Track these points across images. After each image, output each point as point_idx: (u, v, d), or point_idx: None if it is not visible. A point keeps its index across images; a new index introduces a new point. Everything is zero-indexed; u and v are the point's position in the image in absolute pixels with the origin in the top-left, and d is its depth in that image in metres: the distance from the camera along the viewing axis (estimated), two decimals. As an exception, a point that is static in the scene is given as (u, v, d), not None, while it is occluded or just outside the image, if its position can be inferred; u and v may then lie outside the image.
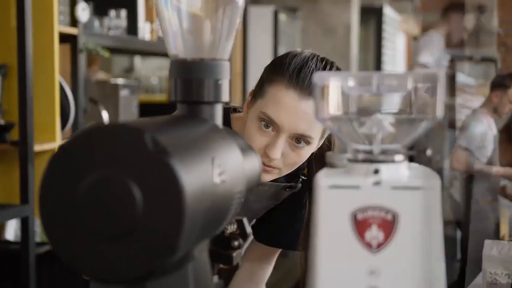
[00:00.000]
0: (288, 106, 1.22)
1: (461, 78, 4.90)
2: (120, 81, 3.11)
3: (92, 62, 3.64)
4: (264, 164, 1.26)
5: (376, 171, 0.69)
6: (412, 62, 4.54)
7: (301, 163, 1.30)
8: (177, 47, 0.83)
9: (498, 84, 4.40)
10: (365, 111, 0.73)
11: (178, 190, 0.60)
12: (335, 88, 0.71)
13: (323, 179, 0.69)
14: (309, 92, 1.22)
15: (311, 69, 1.24)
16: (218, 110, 0.83)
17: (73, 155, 0.63)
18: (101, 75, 3.97)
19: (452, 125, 4.92)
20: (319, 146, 1.33)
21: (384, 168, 0.69)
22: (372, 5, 6.82)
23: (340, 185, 0.69)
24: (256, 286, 1.51)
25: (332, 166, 0.78)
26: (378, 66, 7.29)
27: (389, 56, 7.61)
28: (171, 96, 0.83)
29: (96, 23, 2.92)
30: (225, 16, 0.83)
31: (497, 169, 4.37)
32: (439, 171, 4.49)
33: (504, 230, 4.47)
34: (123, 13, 3.02)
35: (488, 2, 9.24)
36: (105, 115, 2.89)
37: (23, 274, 2.31)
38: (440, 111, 0.70)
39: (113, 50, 3.18)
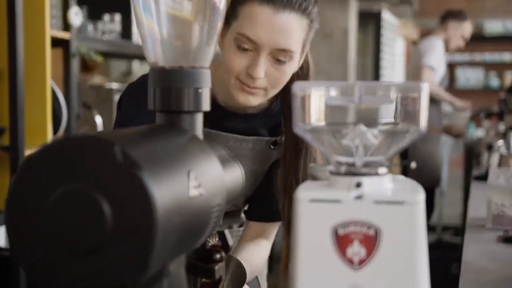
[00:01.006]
0: (265, 21, 1.20)
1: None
2: (115, 85, 3.09)
3: (92, 67, 3.62)
4: (248, 86, 1.24)
5: (358, 185, 0.67)
6: (415, 64, 4.53)
7: (285, 81, 1.27)
8: (156, 55, 0.80)
9: (453, 16, 4.48)
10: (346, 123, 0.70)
11: (149, 204, 0.58)
12: (316, 98, 0.69)
13: (304, 192, 0.67)
14: (283, 5, 1.20)
15: None
16: (199, 119, 0.80)
17: (42, 166, 0.60)
18: (97, 79, 3.94)
19: (446, 130, 4.94)
20: (300, 64, 1.31)
21: (366, 181, 0.67)
22: (370, 10, 6.80)
23: (321, 199, 0.66)
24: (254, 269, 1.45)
25: (314, 178, 0.76)
26: (376, 71, 7.26)
27: (387, 61, 7.60)
28: (150, 105, 0.80)
29: (90, 27, 2.89)
30: (205, 22, 0.81)
31: (446, 94, 4.54)
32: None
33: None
34: (117, 17, 3.00)
35: None
36: (98, 120, 2.86)
37: (14, 280, 2.28)
38: (424, 123, 0.67)
39: (108, 55, 3.16)
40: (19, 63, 2.31)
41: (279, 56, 1.22)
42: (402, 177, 0.74)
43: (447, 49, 4.56)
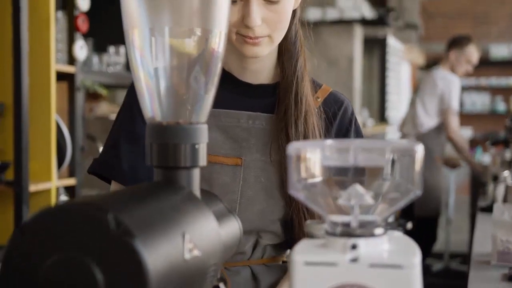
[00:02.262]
0: None
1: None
2: (119, 116, 3.09)
3: (98, 95, 3.64)
4: (250, 37, 1.16)
5: (354, 247, 0.66)
6: (441, 106, 4.44)
7: (288, 20, 1.19)
8: (153, 110, 0.80)
9: (454, 43, 4.48)
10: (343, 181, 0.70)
11: (142, 273, 0.58)
12: (310, 158, 0.69)
13: (299, 254, 0.66)
14: None
15: None
16: (196, 175, 0.80)
17: (36, 234, 0.60)
18: (104, 106, 3.96)
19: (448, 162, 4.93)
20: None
21: (362, 243, 0.66)
22: (375, 35, 6.83)
23: (316, 262, 0.66)
24: None
25: (310, 235, 0.75)
26: (382, 96, 7.27)
27: (393, 86, 7.61)
28: (147, 160, 0.80)
29: (95, 59, 2.91)
30: (203, 76, 0.81)
31: (466, 150, 4.61)
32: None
33: None
34: (122, 49, 3.02)
35: None
36: (103, 152, 2.86)
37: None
38: (419, 185, 0.67)
39: (113, 86, 3.18)
40: (24, 98, 2.32)
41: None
42: (398, 234, 0.73)
43: (455, 75, 4.58)
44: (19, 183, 2.28)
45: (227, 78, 1.28)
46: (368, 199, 0.68)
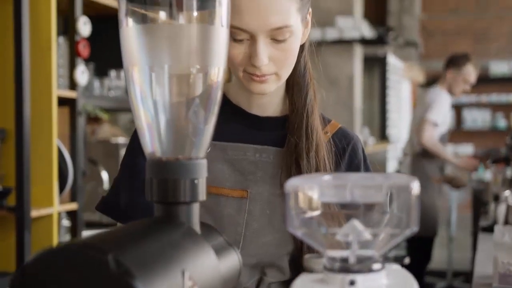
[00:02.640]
0: (248, 6, 1.11)
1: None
2: (121, 140, 3.11)
3: (100, 118, 3.66)
4: (257, 75, 1.16)
5: (352, 283, 0.67)
6: (420, 115, 4.53)
7: (295, 57, 1.18)
8: (153, 146, 0.81)
9: (450, 63, 4.48)
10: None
11: (142, 313, 0.58)
12: (308, 194, 0.70)
13: (297, 291, 0.67)
14: None
15: None
16: (195, 209, 0.81)
17: (36, 275, 0.61)
18: (106, 128, 3.98)
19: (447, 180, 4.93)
20: (307, 35, 1.23)
21: (360, 278, 0.67)
22: (375, 54, 6.86)
23: (315, 299, 0.67)
24: None
25: (309, 270, 0.76)
26: (383, 114, 7.29)
27: (394, 104, 7.63)
28: (147, 196, 0.81)
29: (97, 83, 2.93)
30: (200, 114, 0.82)
31: (445, 153, 4.53)
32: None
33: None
34: (123, 73, 3.04)
35: None
36: (105, 176, 2.88)
37: None
38: (416, 222, 0.68)
39: (114, 109, 3.20)
40: (25, 123, 2.33)
41: (277, 36, 1.13)
42: (396, 267, 0.74)
43: (453, 94, 4.58)
44: (21, 209, 2.29)
45: (235, 110, 1.28)
46: (366, 234, 0.69)
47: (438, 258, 6.49)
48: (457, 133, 10.06)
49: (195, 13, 0.79)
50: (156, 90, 0.80)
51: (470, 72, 4.54)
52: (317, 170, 1.21)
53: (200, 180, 0.80)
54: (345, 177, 0.74)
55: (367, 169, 1.29)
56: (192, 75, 0.80)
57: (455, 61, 4.52)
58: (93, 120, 3.46)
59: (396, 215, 0.69)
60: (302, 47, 1.25)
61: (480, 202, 4.67)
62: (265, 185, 1.23)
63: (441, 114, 4.41)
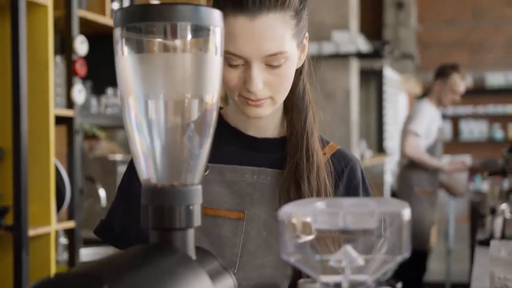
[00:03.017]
0: (243, 32, 1.11)
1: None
2: (119, 157, 3.12)
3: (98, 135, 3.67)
4: (251, 100, 1.16)
5: (346, 308, 0.68)
6: (405, 127, 4.57)
7: (290, 82, 1.18)
8: (148, 172, 0.82)
9: (437, 74, 4.49)
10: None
11: None
12: (301, 222, 0.71)
13: (292, 317, 0.68)
14: (257, 8, 1.11)
15: None
16: (190, 235, 0.82)
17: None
18: (104, 144, 3.98)
19: (445, 188, 4.92)
20: (303, 59, 1.23)
21: (353, 304, 0.68)
22: (372, 67, 6.89)
23: (309, 325, 0.67)
24: None
25: (304, 295, 0.77)
26: (379, 126, 7.31)
27: (390, 116, 7.65)
28: (143, 222, 0.82)
29: (94, 101, 2.94)
30: (195, 139, 0.83)
31: (430, 159, 4.44)
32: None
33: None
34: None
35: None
36: (102, 194, 2.88)
37: None
38: (407, 248, 0.69)
39: (111, 126, 3.21)
40: (23, 143, 2.34)
41: (272, 62, 1.14)
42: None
43: (443, 105, 4.57)
44: (18, 228, 2.29)
45: (232, 132, 1.29)
46: (359, 260, 0.70)
47: (436, 270, 6.49)
48: (454, 144, 10.08)
49: (189, 42, 0.80)
50: (151, 117, 0.81)
51: (457, 82, 4.49)
52: (318, 192, 1.21)
53: (195, 206, 0.81)
54: (338, 203, 0.75)
55: (366, 191, 1.30)
56: (186, 102, 0.82)
57: (442, 72, 4.52)
58: (91, 136, 3.47)
59: (389, 241, 0.70)
60: (300, 70, 1.25)
61: (477, 214, 4.68)
62: (262, 206, 1.23)
63: (423, 124, 4.38)
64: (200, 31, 0.81)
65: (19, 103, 2.35)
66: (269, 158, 1.27)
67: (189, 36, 0.80)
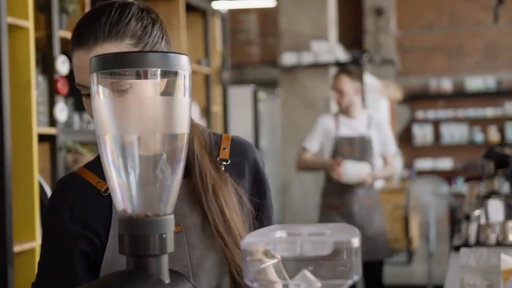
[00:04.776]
0: (82, 64, 1.18)
1: None
2: (101, 170, 3.17)
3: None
4: None
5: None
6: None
7: None
8: (124, 203, 0.90)
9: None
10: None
11: None
12: (262, 251, 0.78)
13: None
14: (93, 41, 1.17)
15: (93, 15, 1.21)
16: (164, 261, 0.89)
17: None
18: (88, 157, 4.02)
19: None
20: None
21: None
22: (352, 74, 6.98)
23: None
24: None
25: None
26: (361, 133, 7.40)
27: (372, 122, 7.73)
28: (120, 250, 0.89)
29: (76, 118, 3.00)
30: (168, 171, 0.90)
31: (316, 161, 4.15)
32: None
33: None
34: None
35: (386, 5, 9.47)
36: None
37: None
38: (358, 271, 0.76)
39: (94, 142, 3.27)
40: (7, 160, 2.40)
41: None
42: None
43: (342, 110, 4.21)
44: (3, 244, 2.35)
45: None
46: (316, 284, 0.78)
47: (418, 272, 6.59)
48: (436, 148, 10.22)
49: (159, 85, 0.88)
50: (126, 153, 0.89)
51: (334, 81, 4.17)
52: (222, 211, 1.26)
53: (168, 233, 0.89)
54: (296, 231, 0.82)
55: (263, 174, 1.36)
56: (158, 139, 0.89)
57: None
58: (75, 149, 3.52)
59: (341, 266, 0.78)
60: None
61: (455, 217, 4.76)
62: (194, 214, 1.28)
63: (313, 139, 4.12)
64: (169, 75, 0.88)
65: (3, 122, 2.41)
66: None
67: (158, 80, 0.87)
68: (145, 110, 0.87)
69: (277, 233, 0.81)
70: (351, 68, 4.23)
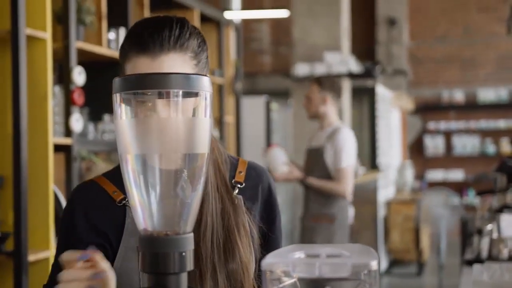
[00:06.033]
0: (144, 71, 1.18)
1: None
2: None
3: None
4: None
5: None
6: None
7: None
8: (145, 222, 0.91)
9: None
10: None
11: None
12: (282, 272, 0.79)
13: None
14: (159, 49, 1.19)
15: (153, 24, 1.22)
16: (183, 279, 0.91)
17: None
18: (101, 166, 4.05)
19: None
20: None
21: None
22: (364, 85, 6.99)
23: None
24: None
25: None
26: (372, 143, 7.40)
27: (383, 133, 7.75)
28: (140, 267, 0.91)
29: (91, 128, 3.03)
30: (187, 192, 0.92)
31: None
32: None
33: None
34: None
35: (399, 15, 9.43)
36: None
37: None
38: (376, 292, 0.77)
39: (108, 151, 3.29)
40: (23, 170, 2.43)
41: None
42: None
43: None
44: (18, 253, 2.37)
45: None
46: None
47: (429, 284, 6.57)
48: (447, 159, 10.18)
49: (181, 106, 0.89)
50: (147, 172, 0.90)
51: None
52: (198, 225, 1.22)
53: (187, 252, 0.90)
54: (314, 252, 0.83)
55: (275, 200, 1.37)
56: (179, 159, 0.91)
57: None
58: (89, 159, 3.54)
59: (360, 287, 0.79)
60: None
61: (467, 231, 4.74)
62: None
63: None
64: (191, 96, 0.90)
65: (19, 132, 2.43)
66: None
67: (180, 101, 0.89)
68: (166, 130, 0.89)
69: (296, 253, 0.82)
70: (325, 79, 4.21)
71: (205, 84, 0.90)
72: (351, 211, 4.16)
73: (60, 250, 1.29)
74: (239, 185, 1.31)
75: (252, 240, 1.28)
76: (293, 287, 0.81)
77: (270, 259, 0.80)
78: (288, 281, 0.81)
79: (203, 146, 0.91)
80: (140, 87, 0.88)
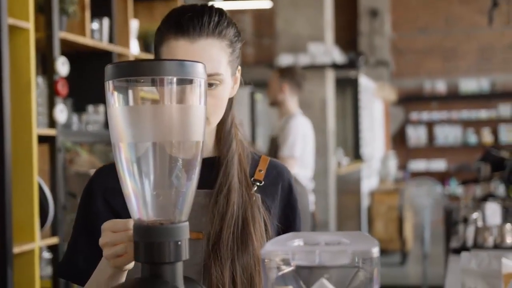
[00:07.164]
0: (183, 54, 1.19)
1: None
2: (99, 171, 3.16)
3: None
4: None
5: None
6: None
7: (224, 106, 1.25)
8: (139, 212, 0.90)
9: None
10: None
11: None
12: (281, 259, 0.78)
13: None
14: (198, 33, 1.20)
15: (193, 10, 1.23)
16: (179, 268, 0.89)
17: None
18: (85, 157, 4.01)
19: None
20: (236, 89, 1.30)
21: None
22: (347, 76, 6.99)
23: None
24: None
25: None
26: (356, 134, 7.42)
27: (366, 123, 7.77)
28: (136, 257, 0.89)
29: (75, 119, 3.00)
30: (182, 181, 0.90)
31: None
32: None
33: None
34: (102, 108, 3.12)
35: (381, 7, 9.47)
36: (84, 209, 2.92)
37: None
38: (377, 281, 0.76)
39: (92, 142, 3.26)
40: (7, 162, 2.39)
41: (208, 81, 1.17)
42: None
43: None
44: (3, 245, 2.34)
45: None
46: (333, 291, 0.78)
47: (413, 273, 6.61)
48: (430, 149, 10.24)
49: (174, 93, 0.88)
50: (141, 161, 0.89)
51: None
52: (225, 212, 1.24)
53: (183, 241, 0.89)
54: (313, 240, 0.82)
55: (296, 201, 1.36)
56: (173, 147, 0.89)
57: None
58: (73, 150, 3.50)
59: (360, 275, 0.78)
60: (231, 103, 1.31)
61: (451, 220, 4.76)
62: (214, 226, 1.26)
63: None
64: (185, 83, 0.88)
65: (3, 123, 2.40)
66: (207, 178, 1.27)
67: (174, 88, 0.87)
68: (160, 117, 0.87)
69: (295, 241, 0.81)
70: (286, 69, 4.23)
71: (200, 71, 0.89)
72: (311, 198, 4.13)
73: (78, 228, 1.30)
74: (258, 183, 1.31)
75: (266, 235, 1.27)
76: (292, 275, 0.80)
77: (269, 247, 0.79)
78: (287, 269, 0.80)
79: (198, 134, 0.89)
80: (133, 74, 0.86)
